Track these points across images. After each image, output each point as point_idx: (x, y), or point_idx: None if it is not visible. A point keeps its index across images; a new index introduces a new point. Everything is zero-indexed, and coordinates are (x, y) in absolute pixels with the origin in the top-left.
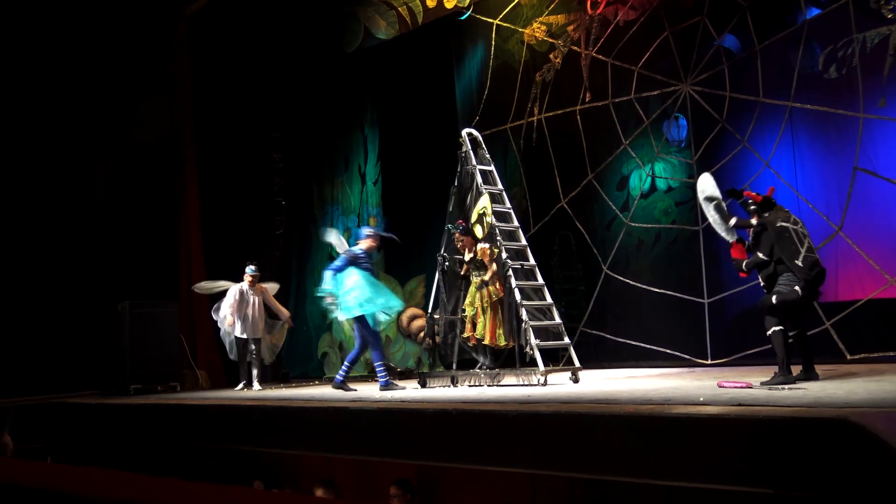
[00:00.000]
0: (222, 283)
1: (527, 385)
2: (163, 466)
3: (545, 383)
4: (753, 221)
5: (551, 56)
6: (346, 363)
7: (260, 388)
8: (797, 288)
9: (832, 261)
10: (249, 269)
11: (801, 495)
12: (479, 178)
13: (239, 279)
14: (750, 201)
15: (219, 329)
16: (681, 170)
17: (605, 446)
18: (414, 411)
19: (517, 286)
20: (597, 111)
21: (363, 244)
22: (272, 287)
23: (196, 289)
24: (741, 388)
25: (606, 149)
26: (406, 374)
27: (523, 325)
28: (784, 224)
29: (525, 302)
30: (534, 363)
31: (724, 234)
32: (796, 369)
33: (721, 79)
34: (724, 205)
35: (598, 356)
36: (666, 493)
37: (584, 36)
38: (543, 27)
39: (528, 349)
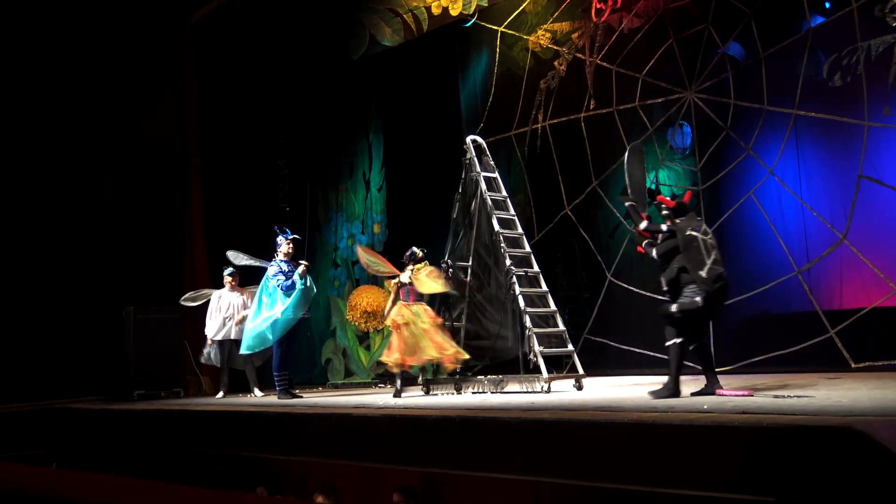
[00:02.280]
0: (205, 292)
1: (530, 392)
2: (166, 472)
3: (549, 390)
4: (664, 227)
5: (556, 63)
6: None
7: (262, 394)
8: (698, 299)
9: (837, 269)
10: (227, 272)
11: None
12: (482, 185)
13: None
14: (663, 206)
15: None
16: (685, 177)
17: (609, 454)
18: (417, 418)
19: (521, 293)
20: (601, 118)
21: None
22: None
23: (183, 301)
24: (742, 396)
25: (611, 156)
26: (409, 381)
27: (527, 331)
28: (693, 233)
29: (529, 309)
30: (537, 370)
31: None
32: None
33: (725, 86)
34: (637, 207)
35: (601, 363)
36: (670, 502)
37: (589, 43)
38: (548, 34)
39: (531, 356)
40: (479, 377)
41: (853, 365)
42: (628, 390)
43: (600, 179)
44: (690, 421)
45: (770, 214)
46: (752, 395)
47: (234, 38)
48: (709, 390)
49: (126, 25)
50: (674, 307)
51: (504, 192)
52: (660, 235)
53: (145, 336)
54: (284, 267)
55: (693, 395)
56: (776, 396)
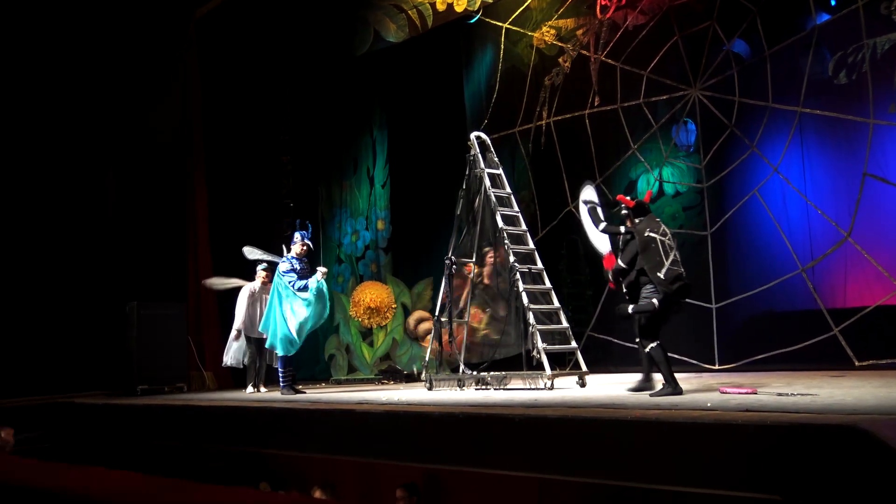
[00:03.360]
0: (234, 281)
1: (533, 389)
2: (169, 467)
3: (552, 387)
4: (622, 229)
5: (560, 60)
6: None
7: (265, 389)
8: (655, 300)
9: (841, 267)
10: (261, 267)
11: (810, 502)
12: (486, 182)
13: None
14: (622, 206)
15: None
16: (689, 175)
17: (612, 451)
18: (420, 414)
19: (524, 290)
20: (606, 115)
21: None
22: None
23: (207, 283)
24: (745, 394)
25: (615, 153)
26: (413, 377)
27: (530, 328)
28: (651, 234)
29: (532, 306)
30: (541, 367)
31: (596, 245)
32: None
33: (730, 84)
34: (599, 210)
35: (605, 360)
36: (674, 499)
37: (594, 40)
38: (553, 31)
39: (534, 353)
40: (482, 373)
41: (857, 363)
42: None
43: (605, 176)
44: (694, 419)
45: (774, 212)
46: (755, 393)
47: (238, 34)
48: (640, 387)
49: (130, 22)
50: (630, 308)
51: (508, 189)
52: (620, 238)
53: (149, 331)
54: (296, 265)
55: (629, 390)
56: (780, 394)
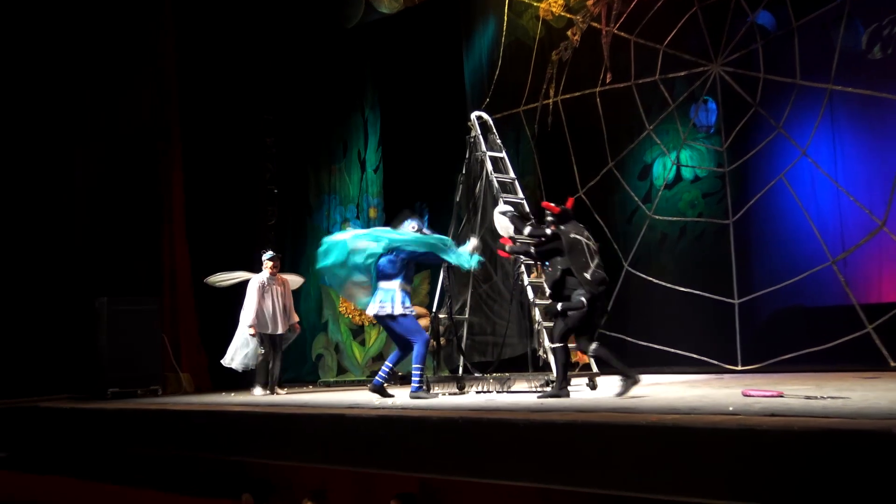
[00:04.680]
0: (239, 274)
1: (539, 391)
2: (144, 477)
3: None
4: (548, 231)
5: (569, 33)
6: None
7: (285, 391)
8: (583, 299)
9: (874, 259)
10: (267, 256)
11: None
12: (488, 166)
13: (255, 270)
14: (547, 212)
15: (224, 329)
16: (709, 158)
17: (625, 459)
18: (417, 419)
19: (529, 284)
20: (618, 93)
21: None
22: (295, 280)
23: (209, 282)
24: (771, 397)
25: (628, 135)
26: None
27: (535, 326)
28: (577, 237)
29: (538, 301)
30: (547, 368)
31: (499, 229)
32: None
33: (755, 59)
34: (518, 216)
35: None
36: None
37: (605, 11)
38: (561, 1)
39: (540, 352)
40: (484, 375)
41: (892, 363)
42: (647, 390)
43: (617, 160)
44: (714, 424)
45: (802, 199)
46: (781, 396)
47: (217, 6)
48: (629, 384)
49: None
50: (560, 306)
51: (512, 174)
52: (543, 239)
53: (120, 329)
54: None
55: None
56: (808, 397)
